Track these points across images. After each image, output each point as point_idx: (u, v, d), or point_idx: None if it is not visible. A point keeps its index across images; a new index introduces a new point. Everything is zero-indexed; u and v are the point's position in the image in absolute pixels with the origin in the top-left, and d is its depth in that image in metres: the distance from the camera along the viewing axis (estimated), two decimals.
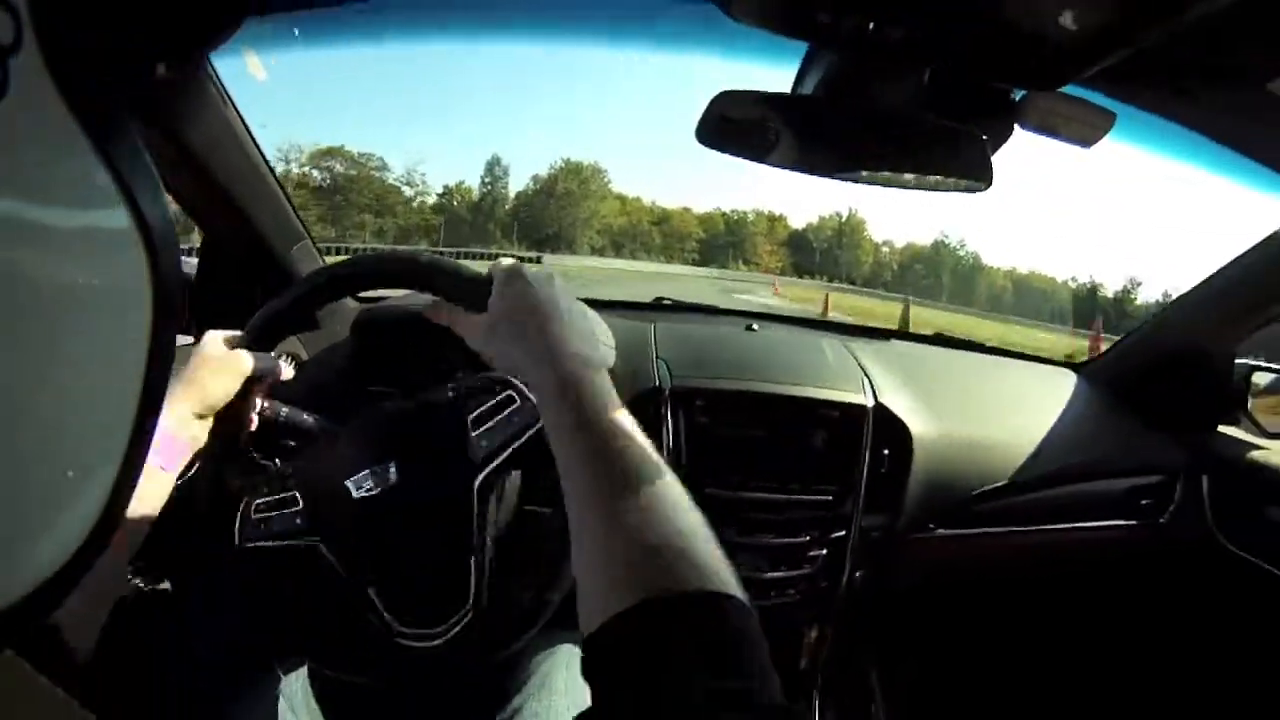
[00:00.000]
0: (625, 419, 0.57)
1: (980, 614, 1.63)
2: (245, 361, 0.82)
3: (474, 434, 0.84)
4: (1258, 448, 1.49)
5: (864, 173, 1.05)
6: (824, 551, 1.25)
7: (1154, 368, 1.56)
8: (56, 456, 0.28)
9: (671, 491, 0.54)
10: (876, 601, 1.33)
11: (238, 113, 1.15)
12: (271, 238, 1.31)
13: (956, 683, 1.63)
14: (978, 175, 1.01)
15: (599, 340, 0.72)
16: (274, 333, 0.87)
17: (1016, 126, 1.01)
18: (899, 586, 1.38)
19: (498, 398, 0.85)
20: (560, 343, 0.64)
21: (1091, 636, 1.66)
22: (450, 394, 0.88)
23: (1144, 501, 1.50)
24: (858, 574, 1.27)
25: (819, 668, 1.32)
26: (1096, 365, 1.66)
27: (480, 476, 0.83)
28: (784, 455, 1.26)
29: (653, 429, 1.21)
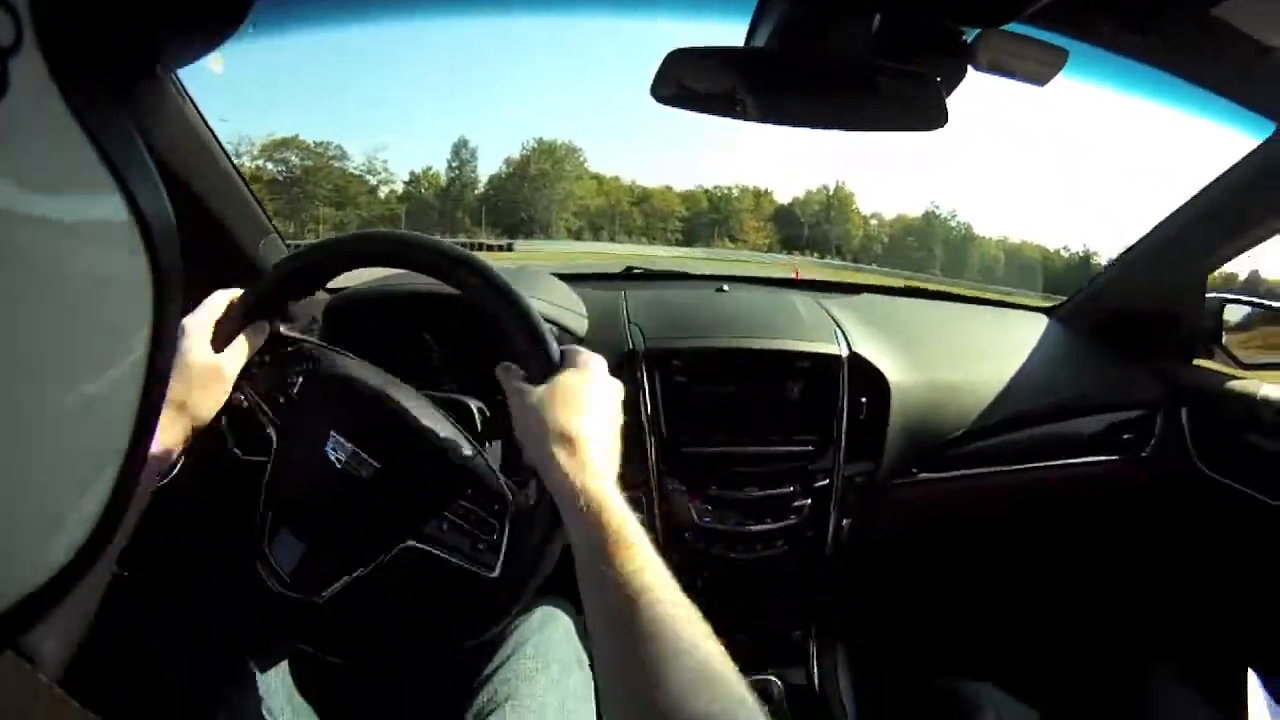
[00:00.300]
0: (653, 565, 0.58)
1: (967, 555, 1.65)
2: (232, 367, 0.84)
3: (446, 513, 0.82)
4: (1234, 378, 1.51)
5: (821, 119, 1.07)
6: (808, 501, 1.27)
7: (1126, 306, 1.58)
8: (56, 456, 0.29)
9: (697, 633, 0.54)
10: (864, 549, 1.35)
11: (196, 109, 1.14)
12: (239, 234, 1.31)
13: (946, 626, 1.66)
14: (933, 116, 1.03)
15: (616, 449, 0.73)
16: (294, 290, 0.89)
17: (969, 67, 1.03)
18: (886, 533, 1.40)
19: (489, 516, 0.82)
20: (604, 483, 0.65)
21: (1079, 571, 1.69)
22: (469, 458, 0.85)
23: (1125, 436, 1.52)
24: (844, 522, 1.29)
25: (813, 619, 1.34)
26: (1069, 307, 1.67)
27: (406, 545, 0.82)
28: (762, 409, 1.28)
29: (630, 392, 1.23)
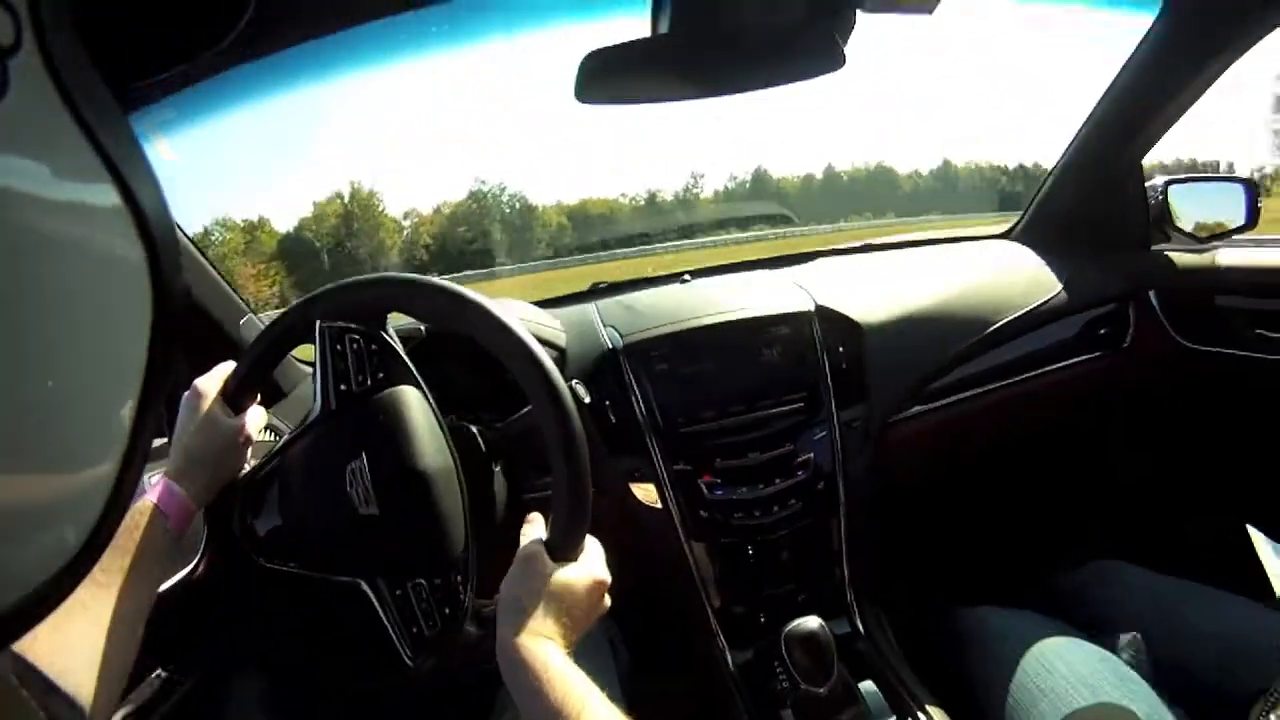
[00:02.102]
0: None
1: (977, 479, 1.67)
2: (254, 426, 0.88)
3: (406, 582, 0.83)
4: (1193, 253, 1.56)
5: (731, 86, 1.13)
6: (811, 455, 1.30)
7: (1074, 210, 1.64)
8: (54, 456, 0.29)
9: None
10: (877, 492, 1.37)
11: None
12: (219, 318, 1.35)
13: (972, 554, 1.67)
14: (830, 60, 1.08)
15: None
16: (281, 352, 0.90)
17: (858, 11, 1.09)
18: (894, 473, 1.43)
19: (436, 615, 0.82)
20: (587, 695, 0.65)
21: (1089, 471, 1.71)
22: (460, 556, 0.85)
23: (1102, 331, 1.56)
24: (851, 469, 1.32)
25: (844, 567, 1.35)
26: (1021, 225, 1.73)
27: (353, 582, 0.83)
28: (747, 377, 1.32)
29: (619, 388, 1.29)
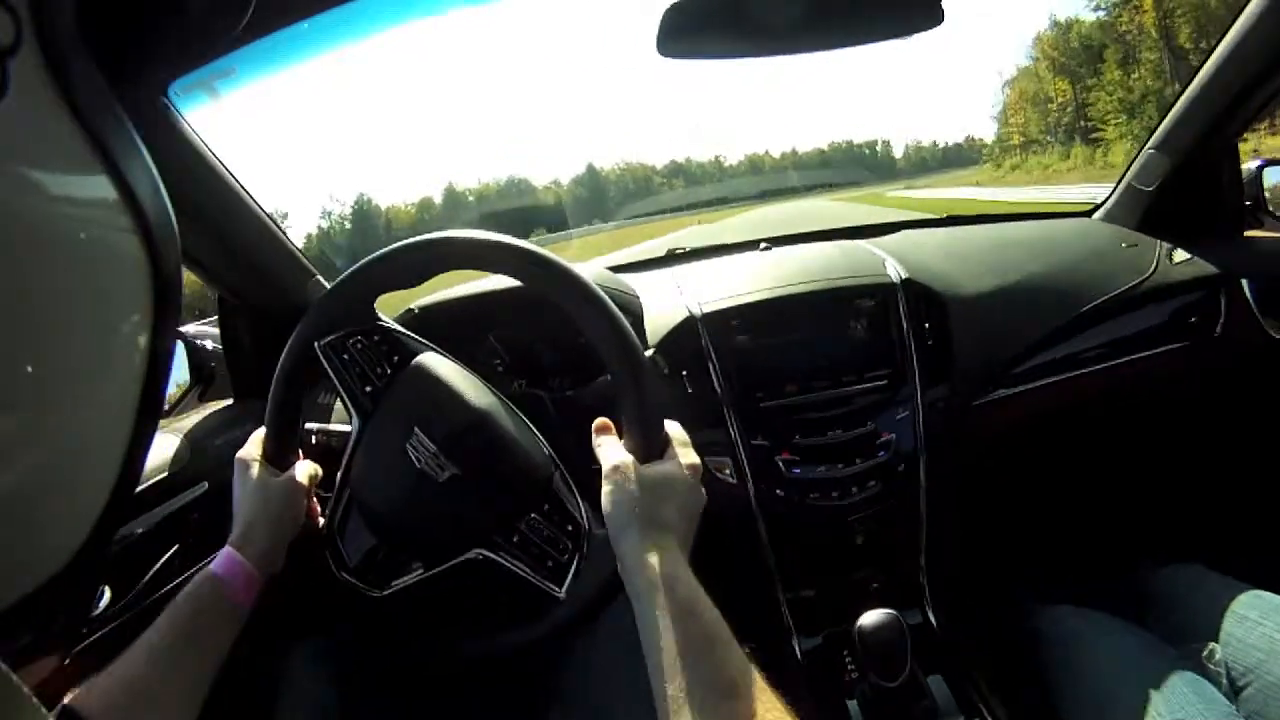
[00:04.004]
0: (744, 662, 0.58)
1: (1059, 468, 1.62)
2: (303, 476, 0.86)
3: (518, 525, 0.82)
4: None
5: (826, 41, 1.07)
6: (894, 436, 1.25)
7: (1163, 193, 1.56)
8: (57, 455, 0.28)
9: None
10: (958, 478, 1.32)
11: (214, 154, 1.13)
12: (284, 280, 1.32)
13: (1051, 547, 1.61)
14: (928, 16, 1.02)
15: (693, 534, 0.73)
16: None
17: None
18: (976, 458, 1.37)
19: (560, 535, 0.82)
20: (693, 578, 0.64)
21: (1175, 465, 1.64)
22: (550, 477, 0.85)
23: (1192, 320, 1.49)
24: (932, 452, 1.27)
25: (921, 554, 1.30)
26: (1109, 205, 1.65)
27: (475, 553, 0.82)
28: (830, 351, 1.27)
29: (697, 358, 1.23)
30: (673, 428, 0.77)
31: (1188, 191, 1.54)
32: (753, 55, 1.06)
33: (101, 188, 0.29)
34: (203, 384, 1.31)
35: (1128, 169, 1.63)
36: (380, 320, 0.89)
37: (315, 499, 0.89)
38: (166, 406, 1.23)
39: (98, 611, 0.84)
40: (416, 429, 0.82)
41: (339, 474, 0.86)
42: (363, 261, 0.86)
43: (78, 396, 0.29)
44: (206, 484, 1.16)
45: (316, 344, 0.85)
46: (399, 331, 0.89)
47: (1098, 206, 1.69)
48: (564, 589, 0.78)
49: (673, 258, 1.60)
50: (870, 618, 1.07)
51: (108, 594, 0.87)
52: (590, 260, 1.49)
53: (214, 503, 1.15)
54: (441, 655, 0.87)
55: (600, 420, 0.79)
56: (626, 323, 0.77)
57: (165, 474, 1.02)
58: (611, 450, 0.75)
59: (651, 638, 0.59)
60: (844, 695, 1.13)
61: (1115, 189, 1.65)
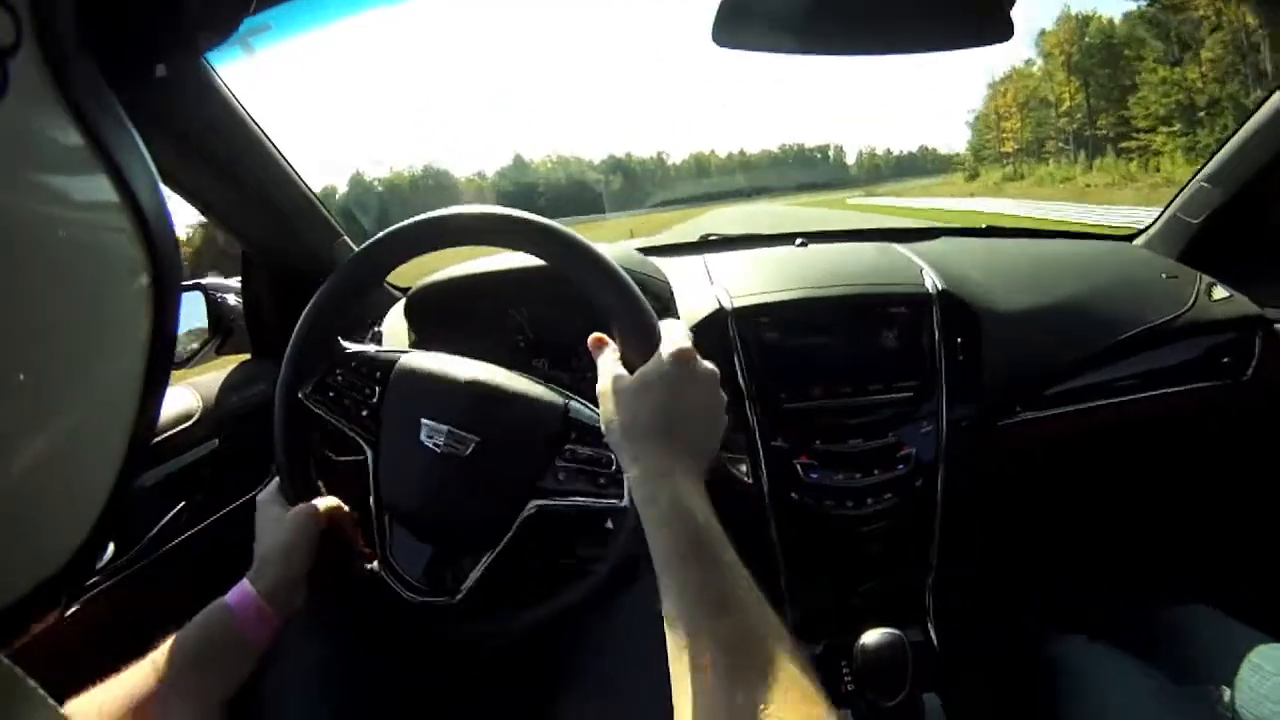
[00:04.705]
0: (733, 575, 0.56)
1: (1079, 497, 1.60)
2: (322, 508, 0.83)
3: (558, 463, 0.83)
4: None
5: (890, 44, 1.04)
6: (914, 450, 1.22)
7: (1210, 224, 1.53)
8: (55, 455, 0.28)
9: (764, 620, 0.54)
10: (976, 497, 1.30)
11: (245, 110, 1.13)
12: (311, 239, 1.31)
13: (1063, 575, 1.60)
14: (998, 29, 0.98)
15: (712, 445, 0.69)
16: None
17: None
18: (996, 478, 1.35)
19: (600, 451, 0.83)
20: (685, 486, 0.61)
21: (1193, 505, 1.62)
22: (565, 406, 0.85)
23: (1225, 360, 1.46)
24: (952, 469, 1.25)
25: (930, 572, 1.29)
26: (1152, 231, 1.62)
27: (532, 505, 0.82)
28: (858, 357, 1.24)
29: (724, 352, 1.21)
30: (667, 327, 0.73)
31: (1234, 227, 1.51)
32: (811, 53, 1.02)
33: (101, 188, 0.29)
34: (221, 336, 1.30)
35: (1175, 195, 1.60)
36: (348, 349, 0.89)
37: (360, 539, 0.87)
38: (185, 357, 1.22)
39: (101, 564, 0.83)
40: (424, 420, 0.83)
41: (372, 503, 0.86)
42: (316, 299, 0.85)
43: (74, 397, 0.28)
44: (217, 441, 1.15)
45: (300, 395, 0.85)
46: (370, 351, 0.90)
47: (1140, 232, 1.66)
48: (625, 497, 0.79)
49: (707, 244, 1.57)
50: (872, 637, 1.06)
51: (111, 548, 0.86)
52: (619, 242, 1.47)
53: (224, 460, 1.15)
54: (511, 628, 0.86)
55: (594, 335, 0.76)
56: (621, 272, 0.78)
57: (177, 428, 1.00)
58: (603, 365, 0.72)
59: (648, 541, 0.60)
60: (839, 705, 1.12)
61: (1159, 217, 1.62)
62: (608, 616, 0.92)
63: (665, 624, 0.54)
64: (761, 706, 0.46)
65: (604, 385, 0.70)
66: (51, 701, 0.33)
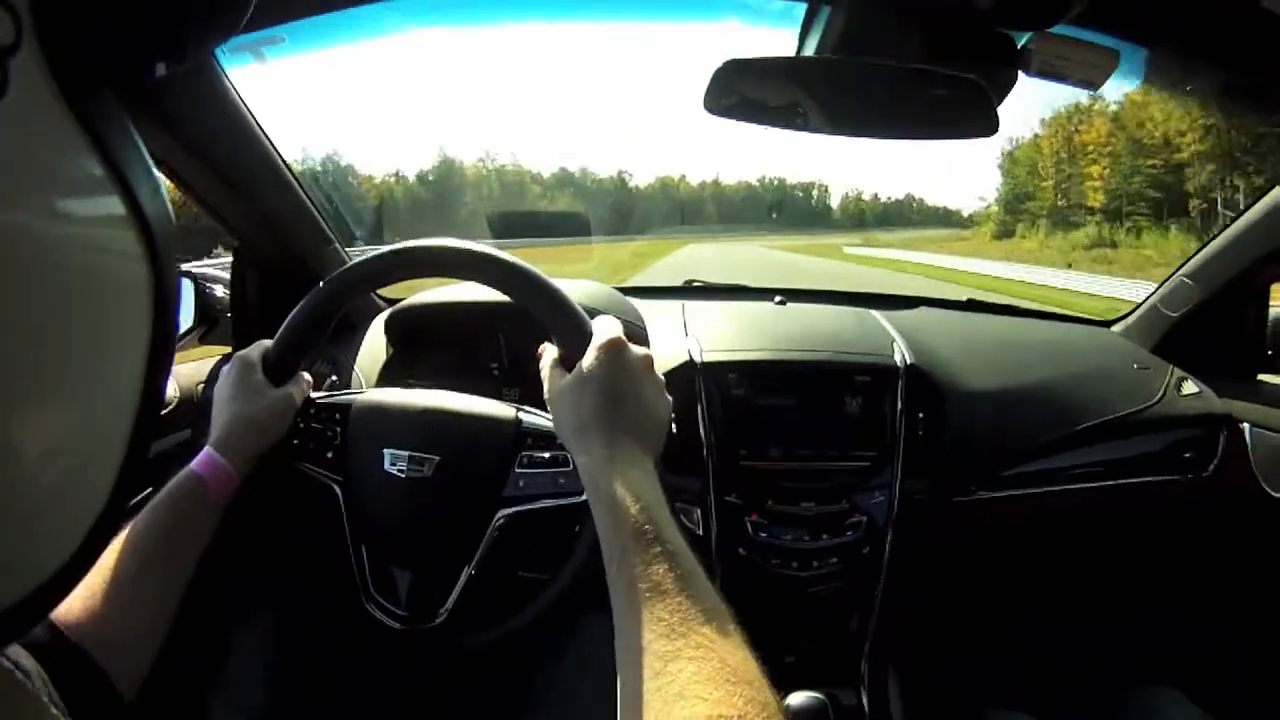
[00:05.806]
0: (674, 561, 0.57)
1: (1024, 576, 1.61)
2: (299, 395, 0.88)
3: (516, 470, 0.87)
4: None
5: (877, 129, 1.07)
6: (865, 518, 1.24)
7: (1187, 320, 1.54)
8: (55, 455, 0.28)
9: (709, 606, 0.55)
10: (921, 569, 1.31)
11: (250, 112, 1.16)
12: (304, 243, 1.35)
13: (1001, 650, 1.60)
14: (983, 124, 1.01)
15: (658, 427, 0.73)
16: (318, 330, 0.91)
17: (1020, 73, 1.02)
18: (943, 552, 1.37)
19: (556, 453, 0.87)
20: (626, 477, 0.63)
21: (1137, 594, 1.63)
22: (516, 418, 0.90)
23: (1187, 455, 1.47)
24: (900, 540, 1.26)
25: (867, 638, 1.30)
26: (1130, 322, 1.64)
27: (500, 515, 0.86)
28: (820, 423, 1.26)
29: (688, 404, 1.23)
30: (597, 323, 0.77)
31: (1210, 324, 1.53)
32: (800, 130, 1.05)
33: (103, 190, 0.29)
34: (206, 325, 1.33)
35: (1156, 289, 1.62)
36: (311, 396, 0.93)
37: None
38: None
39: None
40: (386, 450, 0.87)
41: (348, 539, 0.89)
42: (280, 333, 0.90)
43: (71, 405, 0.29)
44: (190, 431, 1.19)
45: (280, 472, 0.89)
46: (325, 396, 0.94)
47: (1117, 320, 1.68)
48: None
49: (689, 290, 1.61)
50: (798, 699, 1.06)
51: None
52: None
53: (193, 452, 1.18)
54: (492, 639, 0.89)
55: (544, 344, 0.80)
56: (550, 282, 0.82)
57: None
58: (545, 371, 0.77)
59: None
60: None
61: (1139, 307, 1.64)
62: (571, 634, 0.96)
63: (613, 611, 0.56)
64: (694, 687, 0.47)
65: (548, 389, 0.74)
66: (48, 701, 0.35)
